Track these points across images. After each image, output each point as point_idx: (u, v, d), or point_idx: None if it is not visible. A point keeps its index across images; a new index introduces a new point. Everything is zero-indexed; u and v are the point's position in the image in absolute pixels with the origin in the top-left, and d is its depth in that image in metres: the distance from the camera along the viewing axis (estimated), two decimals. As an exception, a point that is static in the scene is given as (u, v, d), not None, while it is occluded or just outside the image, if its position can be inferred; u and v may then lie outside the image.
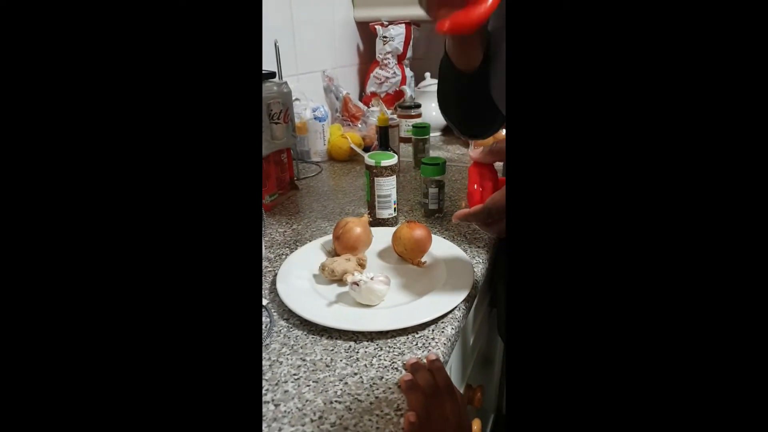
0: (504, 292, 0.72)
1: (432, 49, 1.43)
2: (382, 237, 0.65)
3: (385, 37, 1.26)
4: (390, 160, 0.67)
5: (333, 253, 0.61)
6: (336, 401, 0.39)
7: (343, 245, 0.59)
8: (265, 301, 0.52)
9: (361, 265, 0.56)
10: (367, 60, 1.42)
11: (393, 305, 0.50)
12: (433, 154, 1.02)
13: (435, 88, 1.23)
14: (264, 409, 0.38)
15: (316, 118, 1.01)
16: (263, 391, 0.40)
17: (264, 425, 0.37)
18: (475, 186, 0.53)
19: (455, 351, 0.57)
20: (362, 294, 0.49)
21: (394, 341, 0.46)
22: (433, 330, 0.47)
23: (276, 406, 0.38)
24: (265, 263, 0.61)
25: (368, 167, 0.68)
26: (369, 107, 1.16)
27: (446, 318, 0.49)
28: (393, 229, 0.62)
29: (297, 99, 0.97)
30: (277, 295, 0.52)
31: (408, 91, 1.20)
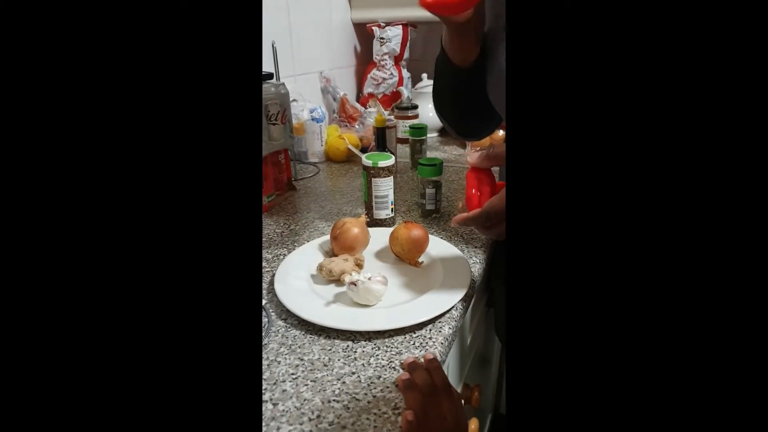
0: (501, 292, 0.73)
1: (429, 50, 1.43)
2: (380, 237, 0.65)
3: (382, 38, 1.27)
4: (387, 161, 0.68)
5: (331, 254, 0.61)
6: (334, 400, 0.39)
7: (340, 245, 0.59)
8: (263, 302, 0.52)
9: (359, 266, 0.57)
10: (365, 61, 1.42)
11: (390, 305, 0.50)
12: (430, 154, 1.03)
13: (431, 89, 1.24)
14: (262, 408, 0.38)
15: (313, 119, 1.02)
16: (261, 391, 0.40)
17: (263, 424, 0.37)
18: (473, 191, 0.53)
19: (453, 350, 0.58)
20: (360, 294, 0.49)
21: (392, 341, 0.46)
22: (430, 330, 0.48)
23: (274, 405, 0.39)
24: (262, 263, 0.61)
25: (365, 168, 0.69)
26: (366, 108, 1.17)
27: (443, 318, 0.49)
28: (390, 230, 0.62)
29: (294, 100, 0.98)
30: (275, 295, 0.52)
31: (405, 92, 1.21)
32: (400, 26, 1.27)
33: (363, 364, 0.43)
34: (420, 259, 0.59)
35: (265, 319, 0.49)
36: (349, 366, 0.43)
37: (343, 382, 0.41)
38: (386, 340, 0.46)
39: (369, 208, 0.71)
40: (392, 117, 1.05)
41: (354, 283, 0.49)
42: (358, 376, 0.41)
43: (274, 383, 0.41)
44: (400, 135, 1.09)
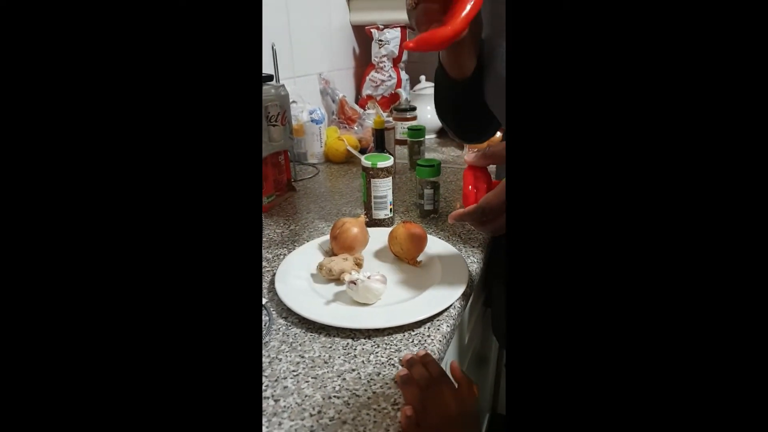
0: (499, 291, 0.73)
1: (427, 52, 1.44)
2: (379, 237, 0.66)
3: (380, 40, 1.28)
4: (386, 161, 0.68)
5: (330, 253, 0.62)
6: (334, 396, 0.40)
7: (340, 245, 0.60)
8: (263, 300, 0.53)
9: (358, 265, 0.57)
10: (363, 63, 1.43)
11: (389, 303, 0.51)
12: (428, 156, 1.04)
13: (430, 91, 1.25)
14: (264, 405, 0.39)
15: (312, 120, 1.02)
16: (263, 388, 0.41)
17: (264, 419, 0.37)
18: (470, 188, 0.54)
19: (452, 348, 0.58)
20: (359, 293, 0.50)
21: (391, 338, 0.47)
22: (429, 327, 0.48)
23: (276, 401, 0.39)
24: (263, 263, 0.62)
25: (365, 169, 0.69)
26: (365, 110, 1.17)
27: (442, 316, 0.50)
28: (389, 230, 0.63)
29: (294, 101, 0.98)
30: (276, 294, 0.53)
31: (403, 94, 1.22)
32: (399, 28, 1.28)
33: (363, 362, 0.43)
34: (419, 259, 0.60)
35: (266, 318, 0.50)
36: (349, 363, 0.43)
37: (344, 379, 0.41)
38: (385, 337, 0.47)
39: (368, 209, 0.72)
40: (391, 119, 1.05)
41: (354, 282, 0.50)
42: (358, 373, 0.42)
43: (276, 380, 0.42)
44: (398, 136, 1.09)
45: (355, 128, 1.15)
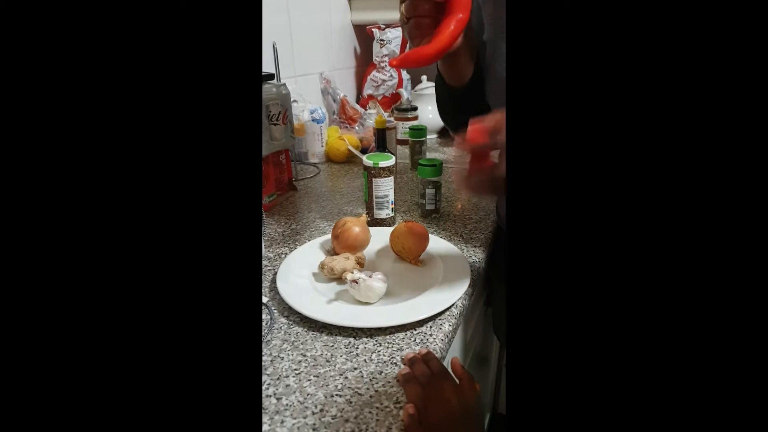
0: (500, 291, 0.74)
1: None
2: (380, 236, 0.66)
3: (382, 40, 1.28)
4: (388, 161, 0.68)
5: (332, 252, 0.62)
6: (337, 395, 0.40)
7: (341, 244, 0.60)
8: (265, 299, 0.53)
9: (360, 264, 0.57)
10: (364, 63, 1.43)
11: (391, 302, 0.51)
12: (429, 156, 1.04)
13: (431, 91, 1.25)
14: (266, 403, 0.39)
15: (313, 119, 1.02)
16: (265, 386, 0.41)
17: (266, 417, 0.37)
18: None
19: (454, 347, 0.58)
20: (361, 291, 0.50)
21: (393, 337, 0.47)
22: (431, 326, 0.48)
23: (278, 399, 0.39)
24: (264, 262, 0.62)
25: (366, 168, 0.69)
26: (366, 110, 1.17)
27: (444, 315, 0.50)
28: (391, 229, 0.63)
29: (295, 101, 0.98)
30: (278, 293, 0.53)
31: (405, 93, 1.22)
32: (400, 28, 1.28)
33: (365, 360, 0.43)
34: (420, 258, 0.60)
35: (268, 317, 0.50)
36: (351, 362, 0.43)
37: (346, 377, 0.41)
38: (387, 336, 0.47)
39: (369, 208, 0.72)
40: (392, 118, 1.06)
41: (356, 281, 0.50)
42: (360, 372, 0.42)
43: (278, 378, 0.41)
44: (399, 136, 1.09)
45: (356, 128, 1.15)
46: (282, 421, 0.37)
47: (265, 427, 0.37)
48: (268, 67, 0.85)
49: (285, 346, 0.46)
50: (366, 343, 0.46)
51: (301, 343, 0.46)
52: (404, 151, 1.07)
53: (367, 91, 1.35)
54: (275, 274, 0.58)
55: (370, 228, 0.64)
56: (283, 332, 0.48)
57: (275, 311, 0.51)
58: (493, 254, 0.69)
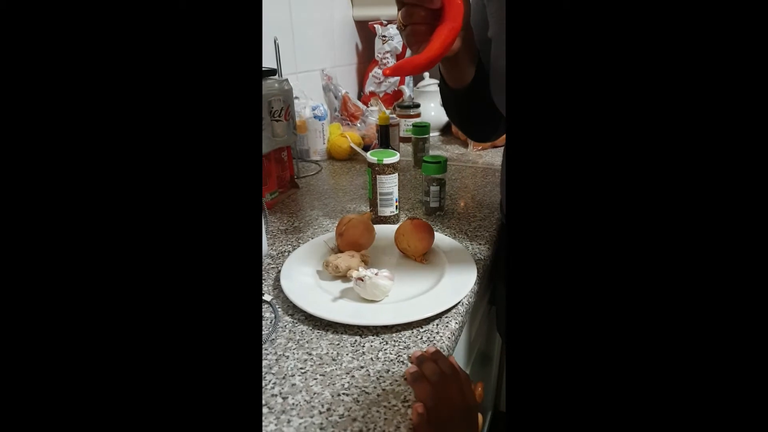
0: (504, 289, 0.73)
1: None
2: (385, 234, 0.65)
3: (384, 36, 1.27)
4: (392, 157, 0.68)
5: (336, 250, 0.62)
6: (343, 394, 0.39)
7: (346, 242, 0.59)
8: (269, 297, 0.53)
9: (365, 262, 0.57)
10: (366, 59, 1.42)
11: (397, 300, 0.50)
12: (432, 153, 1.03)
13: (434, 88, 1.24)
14: (272, 402, 0.38)
15: (315, 116, 1.02)
16: (271, 385, 0.40)
17: (272, 417, 0.37)
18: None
19: (459, 345, 0.58)
20: (367, 289, 0.49)
21: (399, 335, 0.46)
22: (437, 324, 0.48)
23: (284, 398, 0.39)
24: (267, 260, 0.61)
25: (370, 165, 0.69)
26: (368, 107, 1.17)
27: (450, 312, 0.50)
28: (395, 227, 0.62)
29: (296, 97, 0.98)
30: (282, 291, 0.52)
31: (407, 90, 1.21)
32: (402, 25, 1.27)
33: (371, 359, 0.43)
34: (425, 255, 0.60)
35: (272, 315, 0.50)
36: (358, 360, 0.43)
37: (352, 376, 0.41)
38: (394, 334, 0.46)
39: (374, 205, 0.71)
40: (394, 115, 1.05)
41: (361, 279, 0.49)
42: (367, 370, 0.42)
43: (283, 377, 0.41)
44: (402, 134, 1.09)
45: (358, 125, 1.14)
46: (288, 421, 0.37)
47: (271, 426, 0.36)
48: (269, 62, 0.85)
49: (290, 344, 0.45)
50: (372, 342, 0.45)
51: (307, 342, 0.45)
52: (407, 148, 1.06)
53: (369, 88, 1.34)
54: (279, 272, 0.57)
55: (374, 225, 0.64)
56: (288, 331, 0.47)
57: (279, 309, 0.51)
58: (497, 252, 0.69)
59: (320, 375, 0.41)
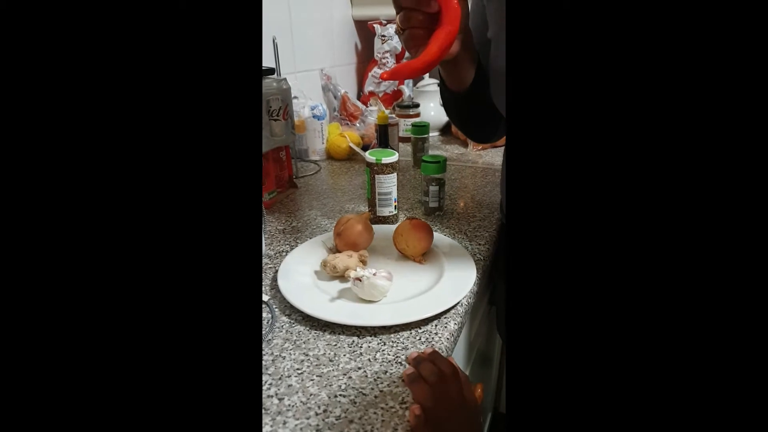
0: (504, 289, 0.73)
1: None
2: (383, 234, 0.65)
3: (383, 35, 1.27)
4: (391, 157, 0.67)
5: (334, 250, 0.61)
6: (340, 395, 0.39)
7: (344, 242, 0.59)
8: (266, 297, 0.52)
9: (363, 262, 0.56)
10: (366, 59, 1.42)
11: (396, 301, 0.50)
12: (431, 153, 1.03)
13: (433, 87, 1.24)
14: (268, 403, 0.38)
15: (314, 116, 1.01)
16: (267, 386, 0.40)
17: (268, 418, 0.36)
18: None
19: (459, 346, 0.57)
20: (365, 290, 0.49)
21: (398, 336, 0.46)
22: (435, 325, 0.47)
23: (280, 400, 0.38)
24: (265, 260, 0.61)
25: (369, 165, 0.68)
26: (367, 107, 1.16)
27: (449, 313, 0.49)
28: (394, 227, 0.62)
29: (295, 97, 0.97)
30: (279, 291, 0.52)
31: (406, 90, 1.21)
32: (402, 25, 1.27)
33: (369, 359, 0.42)
34: (424, 256, 0.59)
35: (269, 315, 0.49)
36: (355, 361, 0.42)
37: (350, 377, 0.40)
38: (392, 335, 0.46)
39: (372, 205, 0.71)
40: (394, 115, 1.04)
41: (359, 279, 0.49)
42: (365, 371, 0.41)
43: (280, 378, 0.40)
44: (401, 134, 1.08)
45: (357, 125, 1.14)
46: (284, 422, 0.36)
47: (267, 428, 0.36)
48: (268, 61, 0.84)
49: (287, 345, 0.45)
50: (370, 342, 0.45)
51: (304, 342, 0.45)
52: (406, 148, 1.06)
53: (369, 87, 1.33)
54: (276, 272, 0.57)
55: (372, 225, 0.63)
56: (284, 331, 0.47)
57: (276, 310, 0.50)
58: (497, 252, 0.68)
59: (317, 376, 0.41)
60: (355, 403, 0.38)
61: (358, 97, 1.37)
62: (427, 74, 1.28)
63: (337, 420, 0.36)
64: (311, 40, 1.16)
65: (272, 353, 0.44)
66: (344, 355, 0.43)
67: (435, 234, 0.62)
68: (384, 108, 1.05)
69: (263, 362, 0.42)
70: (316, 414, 0.37)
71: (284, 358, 0.43)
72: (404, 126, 1.10)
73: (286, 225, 0.72)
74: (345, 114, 1.17)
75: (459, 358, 0.63)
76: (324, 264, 0.54)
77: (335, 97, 1.19)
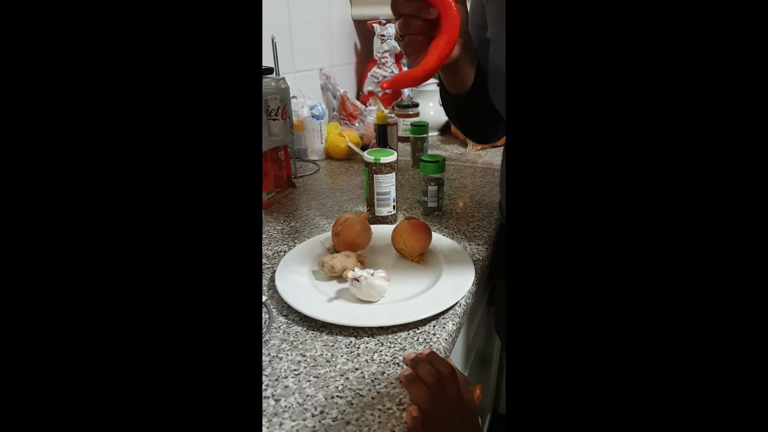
0: (503, 290, 0.72)
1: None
2: (382, 234, 0.64)
3: (382, 35, 1.26)
4: (389, 156, 0.67)
5: (332, 250, 0.61)
6: (337, 396, 0.38)
7: (342, 242, 0.59)
8: (263, 298, 0.52)
9: (361, 262, 0.56)
10: (365, 58, 1.42)
11: (394, 301, 0.50)
12: (431, 153, 1.02)
13: (432, 87, 1.24)
14: (264, 404, 0.37)
15: (313, 116, 1.01)
16: (263, 387, 0.39)
17: (264, 420, 0.36)
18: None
19: (457, 347, 0.57)
20: (363, 290, 0.49)
21: (395, 337, 0.45)
22: (434, 326, 0.47)
23: (276, 401, 0.38)
24: (263, 260, 0.61)
25: (367, 164, 0.68)
26: (366, 106, 1.16)
27: (447, 314, 0.49)
28: (392, 227, 0.61)
29: (294, 97, 0.97)
30: (276, 291, 0.51)
31: (405, 90, 1.20)
32: (401, 24, 1.27)
33: (366, 360, 0.42)
34: (422, 256, 0.59)
35: (266, 315, 0.49)
36: (353, 362, 0.42)
37: (347, 378, 0.40)
38: (389, 336, 0.45)
39: (371, 205, 0.70)
40: (393, 115, 1.04)
41: (357, 279, 0.49)
42: (362, 372, 0.41)
43: (276, 379, 0.40)
44: (400, 133, 1.08)
45: (356, 125, 1.14)
46: (281, 424, 0.36)
47: (263, 430, 0.35)
48: (266, 61, 0.84)
49: (284, 345, 0.44)
50: (367, 343, 0.44)
51: (301, 343, 0.45)
52: (405, 148, 1.06)
53: (368, 87, 1.33)
54: (274, 272, 0.56)
55: (371, 225, 0.63)
56: (281, 332, 0.46)
57: (274, 310, 0.50)
58: (496, 252, 0.68)
59: (314, 377, 0.40)
60: (353, 404, 0.37)
61: (357, 97, 1.37)
62: (427, 74, 1.28)
63: (333, 422, 0.36)
64: (310, 39, 1.15)
65: (269, 354, 0.43)
66: (341, 356, 0.43)
67: (434, 234, 0.61)
68: (383, 108, 1.05)
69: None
70: (313, 415, 0.36)
71: (281, 358, 0.43)
72: (403, 126, 1.10)
73: (284, 225, 0.71)
74: (344, 114, 1.16)
75: (457, 358, 0.63)
76: (322, 264, 0.54)
77: (334, 97, 1.19)
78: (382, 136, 0.90)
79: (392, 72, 1.30)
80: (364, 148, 1.04)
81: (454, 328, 0.48)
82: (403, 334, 0.46)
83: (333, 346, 0.44)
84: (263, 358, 0.43)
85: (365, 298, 0.49)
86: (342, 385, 0.39)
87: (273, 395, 0.38)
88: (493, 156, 1.06)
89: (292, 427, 0.35)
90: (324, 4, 1.21)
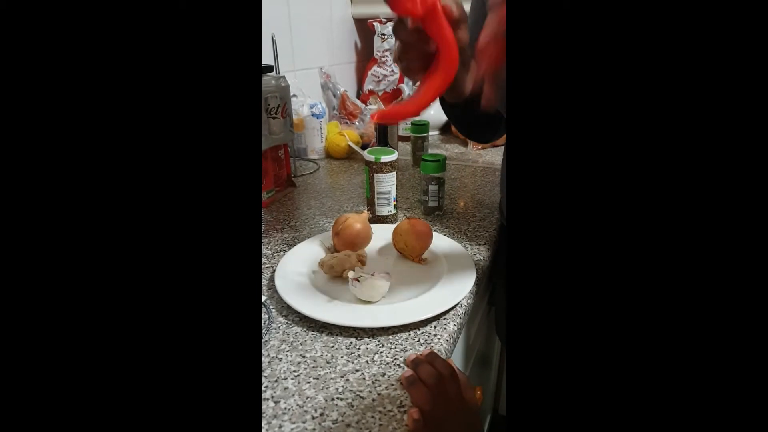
0: (503, 290, 0.72)
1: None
2: (382, 234, 0.64)
3: (383, 34, 1.26)
4: (390, 156, 0.67)
5: (332, 250, 0.60)
6: (337, 398, 0.38)
7: (342, 241, 0.58)
8: (263, 298, 0.51)
9: (361, 262, 0.55)
10: (365, 57, 1.41)
11: (394, 301, 0.49)
12: (431, 152, 1.02)
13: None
14: (264, 406, 0.37)
15: (313, 114, 1.00)
16: (263, 388, 0.39)
17: (264, 422, 0.36)
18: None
19: (458, 348, 0.57)
20: (363, 290, 0.48)
21: (396, 337, 0.45)
22: (435, 326, 0.47)
23: (276, 403, 0.37)
24: (262, 260, 0.60)
25: (368, 163, 0.67)
26: (366, 105, 1.16)
27: (448, 314, 0.48)
28: (393, 226, 0.61)
29: (294, 95, 0.96)
30: (276, 291, 0.51)
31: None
32: (402, 23, 1.26)
33: (367, 362, 0.42)
34: (423, 256, 0.58)
35: (265, 316, 0.48)
36: (353, 363, 0.42)
37: (347, 380, 0.40)
38: (390, 337, 0.45)
39: (371, 205, 0.70)
40: (393, 114, 1.03)
41: (357, 279, 0.48)
42: (362, 374, 0.40)
43: (276, 381, 0.40)
44: (401, 132, 1.08)
45: (357, 124, 1.13)
46: (280, 426, 0.35)
47: (262, 431, 0.35)
48: (266, 59, 0.83)
49: (283, 346, 0.44)
50: (368, 344, 0.44)
51: (300, 344, 0.44)
52: (406, 147, 1.05)
53: (368, 86, 1.33)
54: (273, 271, 0.56)
55: (371, 225, 0.62)
56: (281, 332, 0.46)
57: (273, 310, 0.49)
58: (496, 253, 0.68)
59: (314, 378, 0.40)
60: (353, 406, 0.37)
61: (358, 96, 1.36)
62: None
63: (334, 424, 0.35)
64: (310, 37, 1.15)
65: (269, 355, 0.43)
66: (342, 357, 0.42)
67: (434, 234, 0.61)
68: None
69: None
70: (313, 418, 0.36)
71: (281, 360, 0.42)
72: (404, 125, 1.10)
73: (284, 224, 0.71)
74: (344, 113, 1.16)
75: (458, 359, 0.62)
76: (322, 264, 0.53)
77: (334, 96, 1.18)
78: (383, 135, 0.90)
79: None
80: (364, 147, 1.04)
81: (456, 328, 0.47)
82: (404, 335, 0.45)
83: (333, 346, 0.44)
84: (263, 359, 0.42)
85: (365, 298, 0.49)
86: (342, 386, 0.39)
87: (272, 397, 0.38)
88: (494, 155, 1.06)
89: (292, 429, 0.35)
90: (324, 3, 1.20)
